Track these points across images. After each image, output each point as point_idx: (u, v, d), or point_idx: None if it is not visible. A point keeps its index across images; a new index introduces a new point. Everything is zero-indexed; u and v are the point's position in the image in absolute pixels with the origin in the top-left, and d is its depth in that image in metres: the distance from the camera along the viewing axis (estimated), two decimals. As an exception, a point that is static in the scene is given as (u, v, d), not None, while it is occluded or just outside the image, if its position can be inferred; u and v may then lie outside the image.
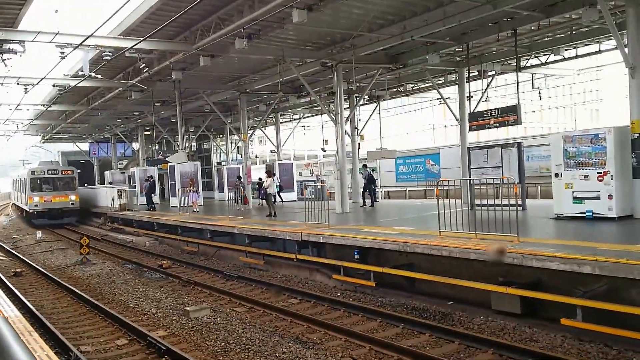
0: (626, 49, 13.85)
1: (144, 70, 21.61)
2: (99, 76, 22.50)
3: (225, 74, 26.44)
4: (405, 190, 34.74)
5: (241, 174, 29.49)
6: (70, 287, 15.11)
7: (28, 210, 37.00)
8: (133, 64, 22.32)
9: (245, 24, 16.39)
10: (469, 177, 18.72)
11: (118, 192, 32.79)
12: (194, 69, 22.68)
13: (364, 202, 24.08)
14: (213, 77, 27.10)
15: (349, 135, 26.79)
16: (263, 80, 26.29)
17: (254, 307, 12.19)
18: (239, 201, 26.57)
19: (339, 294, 13.06)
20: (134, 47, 17.97)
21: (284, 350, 9.02)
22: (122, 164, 53.77)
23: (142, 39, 16.96)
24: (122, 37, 18.35)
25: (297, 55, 21.72)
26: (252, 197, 28.54)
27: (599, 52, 22.30)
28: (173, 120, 33.88)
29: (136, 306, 12.93)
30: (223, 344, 9.55)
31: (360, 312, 11.20)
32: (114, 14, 12.24)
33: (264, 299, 13.01)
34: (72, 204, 36.74)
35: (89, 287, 15.76)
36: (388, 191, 35.77)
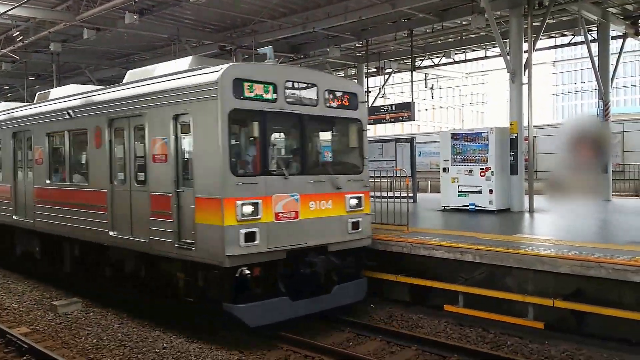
0: (508, 56, 15.39)
1: (18, 40, 19.68)
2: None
3: (112, 49, 24.29)
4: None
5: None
6: None
7: (213, 261, 8.05)
8: (6, 31, 20.08)
9: (137, -3, 15.34)
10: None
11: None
12: (77, 42, 20.94)
13: None
14: (98, 52, 24.88)
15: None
16: (155, 60, 24.59)
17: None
18: None
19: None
20: (7, 12, 16.15)
21: (165, 345, 8.45)
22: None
23: (16, 4, 15.41)
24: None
25: (194, 36, 20.92)
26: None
27: (485, 57, 24.44)
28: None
29: (-6, 300, 11.67)
30: (95, 340, 8.74)
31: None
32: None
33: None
34: (354, 227, 9.41)
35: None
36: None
